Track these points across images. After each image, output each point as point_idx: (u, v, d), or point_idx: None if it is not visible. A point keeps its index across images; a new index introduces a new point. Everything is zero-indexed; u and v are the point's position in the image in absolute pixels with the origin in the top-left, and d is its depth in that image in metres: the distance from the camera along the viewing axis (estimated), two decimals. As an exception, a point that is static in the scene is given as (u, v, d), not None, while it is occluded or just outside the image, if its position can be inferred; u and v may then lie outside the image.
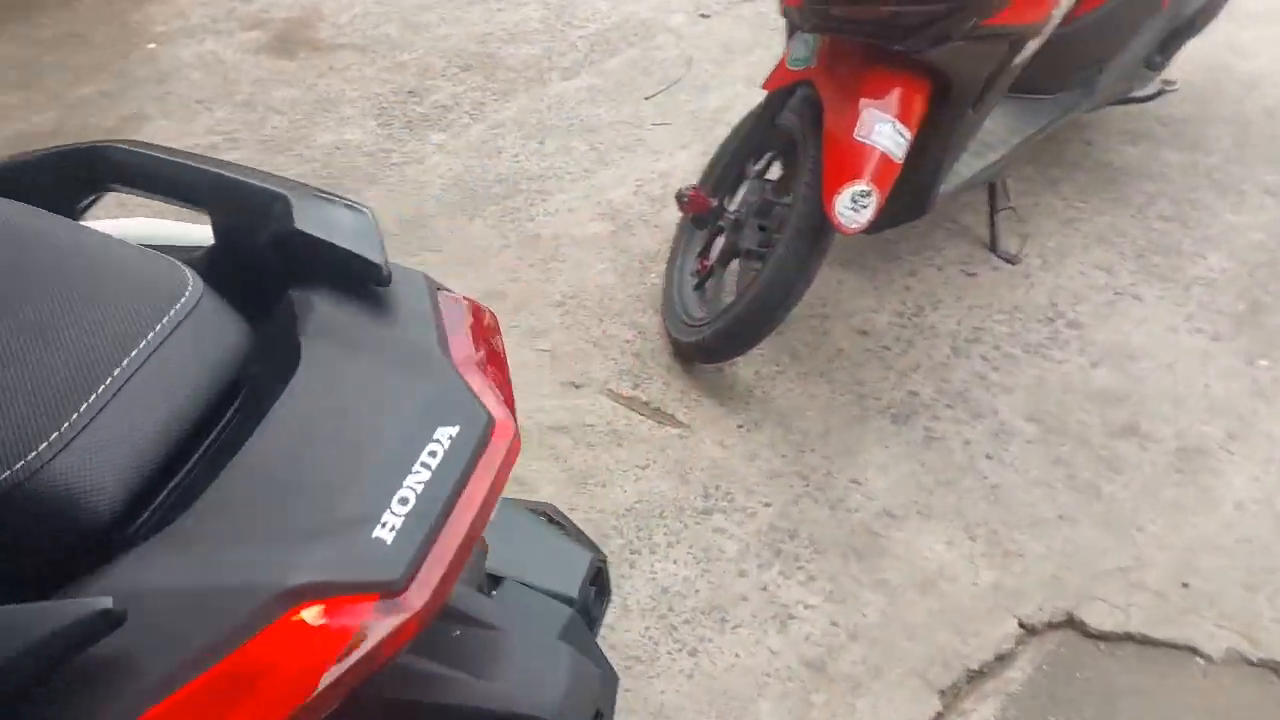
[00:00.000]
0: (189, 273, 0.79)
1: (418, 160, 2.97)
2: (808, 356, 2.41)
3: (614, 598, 1.89)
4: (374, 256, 0.81)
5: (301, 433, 0.70)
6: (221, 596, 0.61)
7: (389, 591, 0.65)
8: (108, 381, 0.69)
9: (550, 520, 1.18)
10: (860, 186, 1.92)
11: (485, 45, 3.48)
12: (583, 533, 1.21)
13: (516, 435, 0.78)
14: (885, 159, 1.93)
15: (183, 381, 0.72)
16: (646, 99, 3.24)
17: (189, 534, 0.64)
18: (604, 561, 1.16)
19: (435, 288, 0.88)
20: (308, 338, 0.77)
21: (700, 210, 2.28)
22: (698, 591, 1.94)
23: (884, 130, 1.92)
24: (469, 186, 2.88)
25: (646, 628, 1.88)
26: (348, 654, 0.62)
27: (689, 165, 2.92)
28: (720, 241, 2.34)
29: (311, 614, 0.61)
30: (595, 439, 2.21)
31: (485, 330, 0.87)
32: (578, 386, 2.32)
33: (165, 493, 0.70)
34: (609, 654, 1.81)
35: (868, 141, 1.93)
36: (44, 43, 3.46)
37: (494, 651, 0.78)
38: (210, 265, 0.87)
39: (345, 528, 0.65)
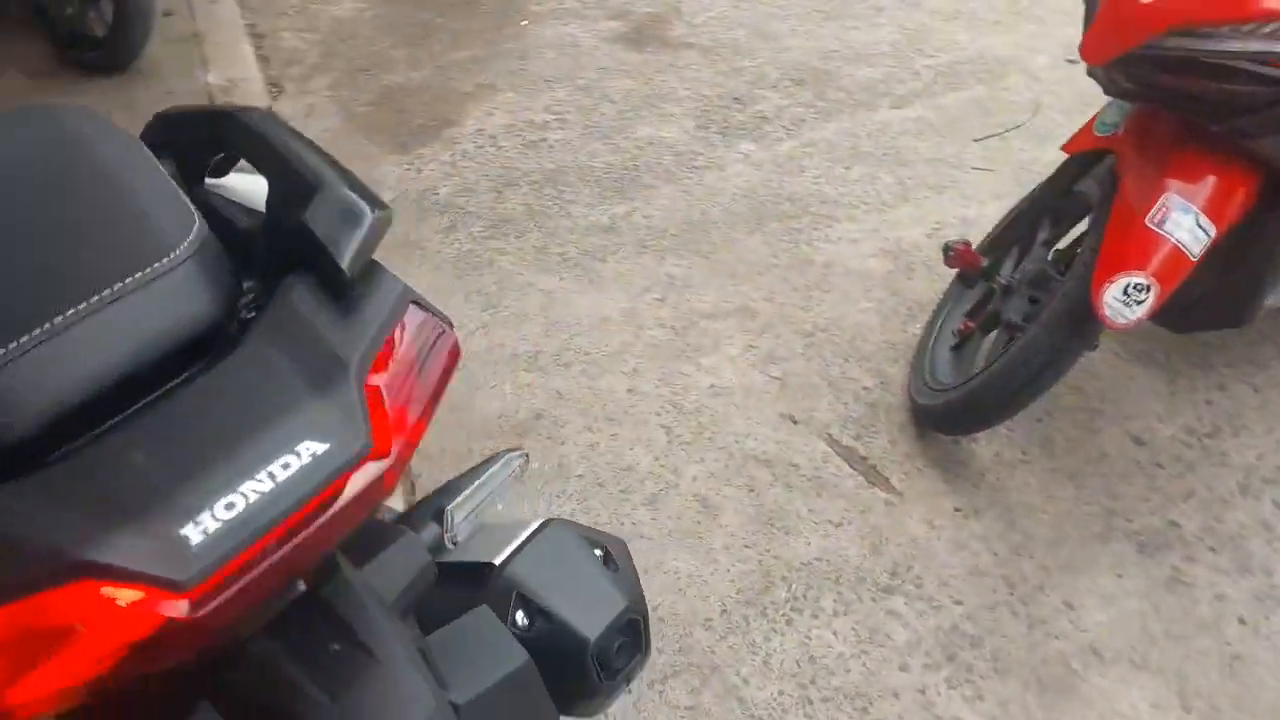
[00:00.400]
0: (196, 230, 0.82)
1: (719, 167, 2.98)
2: (1063, 452, 2.14)
3: (755, 654, 1.81)
4: (341, 259, 0.81)
5: (187, 418, 0.72)
6: (16, 549, 0.64)
7: (173, 591, 0.65)
8: (68, 313, 0.73)
9: (606, 557, 1.13)
10: (1137, 278, 1.66)
11: (826, 62, 3.41)
12: (636, 582, 1.15)
13: (394, 469, 0.75)
14: (1176, 253, 1.66)
15: (138, 335, 0.75)
16: (975, 140, 3.02)
17: (46, 483, 0.68)
18: (641, 615, 1.10)
19: (405, 301, 0.85)
20: (260, 326, 0.78)
21: (967, 267, 2.09)
22: (848, 671, 1.80)
23: (1182, 221, 1.65)
24: (759, 200, 2.84)
25: (781, 691, 1.77)
26: (125, 637, 0.63)
27: (997, 218, 2.68)
28: (991, 304, 2.14)
29: (101, 590, 0.63)
30: (796, 481, 2.11)
31: (438, 358, 0.84)
32: (796, 422, 2.23)
33: (83, 438, 0.74)
34: (733, 706, 1.74)
35: (1159, 230, 1.66)
36: (441, 6, 3.85)
37: (359, 679, 0.76)
38: (265, 233, 0.91)
39: (161, 519, 0.66)
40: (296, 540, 0.69)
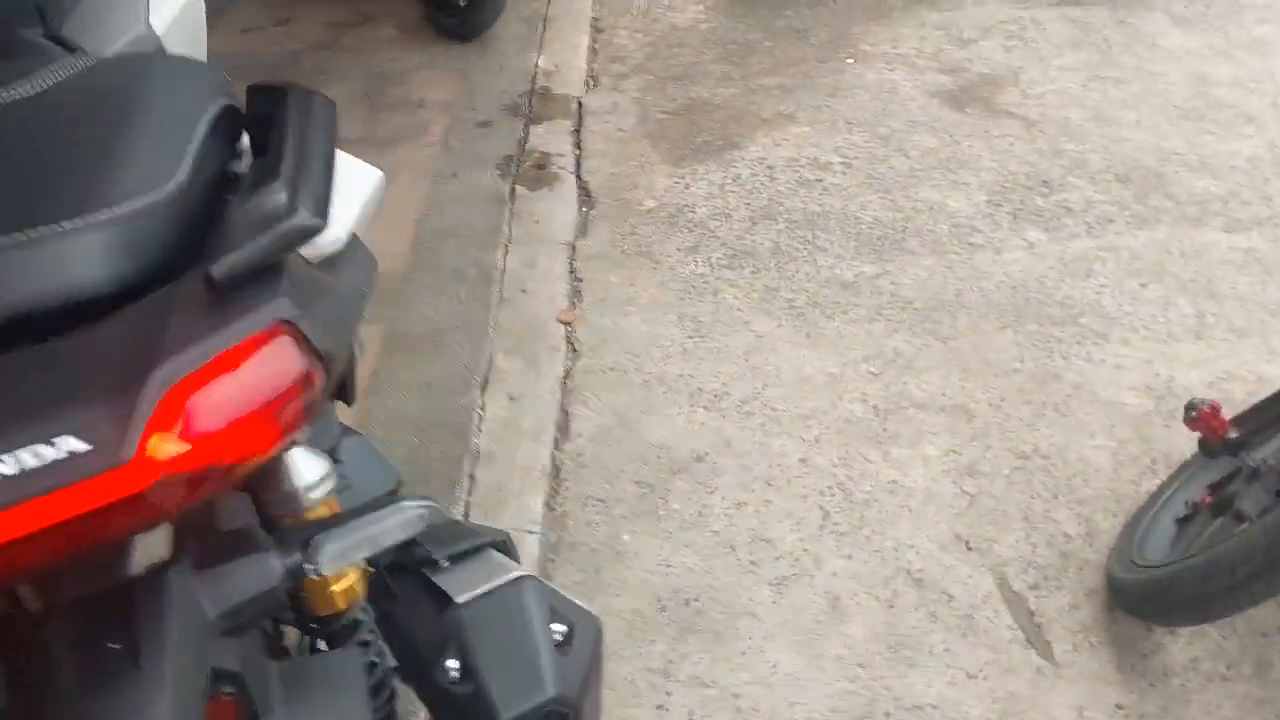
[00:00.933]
0: (149, 198, 0.79)
1: (995, 249, 2.71)
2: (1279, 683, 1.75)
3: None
4: (214, 259, 0.74)
5: (10, 368, 0.70)
6: None
7: None
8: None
9: (567, 636, 1.02)
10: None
11: (1164, 163, 3.01)
12: (587, 673, 1.02)
13: (145, 495, 0.68)
14: None
15: (51, 282, 0.74)
16: (1314, 289, 2.54)
17: None
18: (572, 709, 0.98)
19: (268, 325, 0.75)
20: (131, 309, 0.74)
21: (1209, 434, 1.75)
22: (917, 841, 1.57)
23: None
24: (1025, 296, 2.55)
25: (832, 834, 1.58)
26: None
27: (1306, 385, 2.24)
28: (1233, 485, 1.78)
29: None
30: (944, 613, 1.87)
31: (278, 395, 0.75)
32: (970, 549, 1.98)
33: None
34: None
35: None
36: (775, 31, 3.81)
37: (111, 686, 0.72)
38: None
39: None
40: (20, 533, 0.66)
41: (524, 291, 2.58)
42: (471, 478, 2.09)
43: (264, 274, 0.76)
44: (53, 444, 0.65)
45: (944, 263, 2.68)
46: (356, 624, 1.13)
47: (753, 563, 1.96)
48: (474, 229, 2.79)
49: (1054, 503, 2.06)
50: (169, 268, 0.78)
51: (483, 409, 2.24)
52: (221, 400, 0.71)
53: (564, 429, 2.23)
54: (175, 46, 1.72)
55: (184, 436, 0.69)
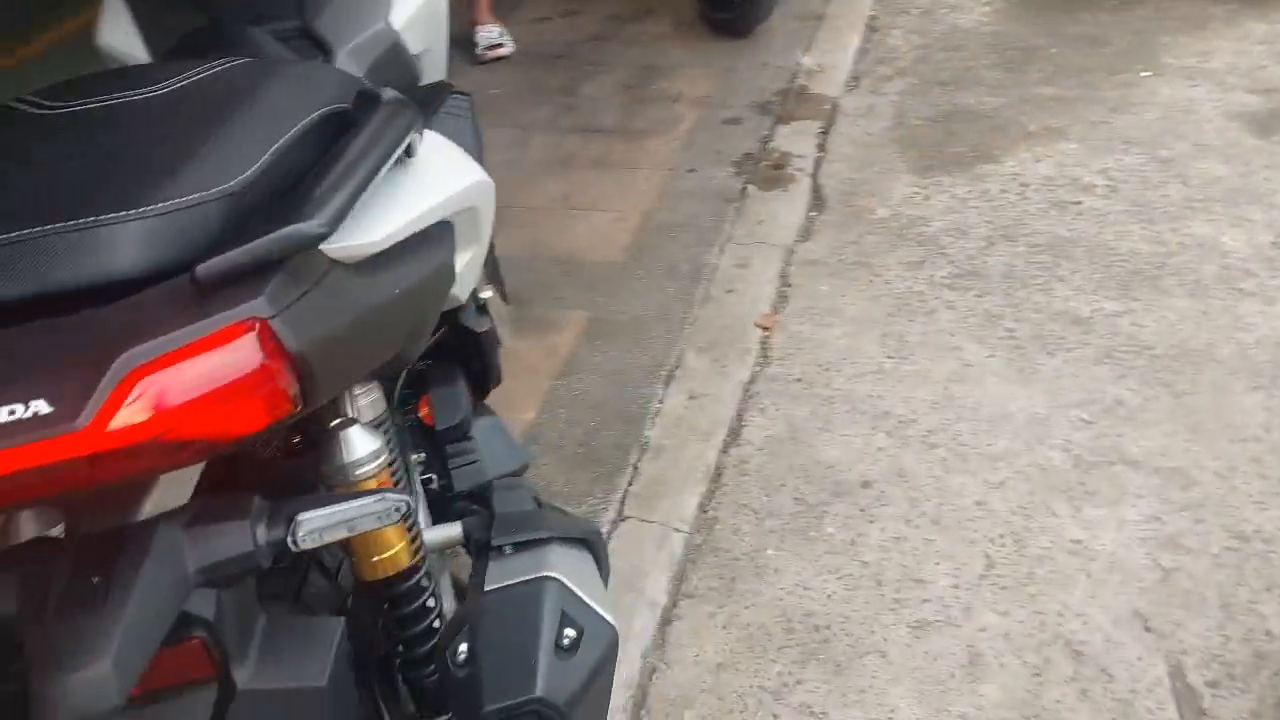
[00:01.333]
0: (238, 181, 0.87)
1: (1267, 299, 2.37)
2: None
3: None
4: (202, 260, 0.80)
5: (25, 336, 0.78)
6: None
7: None
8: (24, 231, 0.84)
9: (576, 640, 1.01)
10: None
11: None
12: (587, 680, 1.00)
13: (97, 457, 0.73)
14: None
15: (84, 268, 0.83)
16: None
17: None
18: (555, 711, 0.98)
19: (236, 323, 0.80)
20: (144, 292, 0.81)
21: None
22: None
23: None
24: (1291, 356, 2.22)
25: None
26: None
27: None
28: None
29: None
30: (1098, 693, 1.69)
31: (225, 388, 0.79)
32: (1149, 629, 1.76)
33: None
34: None
35: None
36: (1068, 36, 3.53)
37: (78, 613, 0.79)
38: None
39: None
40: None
41: (730, 292, 2.59)
42: (635, 468, 2.14)
43: (254, 272, 0.83)
44: (28, 405, 0.75)
45: (1201, 307, 2.38)
46: (418, 590, 1.21)
47: (897, 600, 1.86)
48: (698, 225, 2.83)
49: (1265, 595, 1.79)
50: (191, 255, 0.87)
51: (661, 403, 2.28)
52: (177, 385, 0.79)
53: (735, 433, 2.22)
54: (413, 42, 1.87)
55: (138, 413, 0.77)
